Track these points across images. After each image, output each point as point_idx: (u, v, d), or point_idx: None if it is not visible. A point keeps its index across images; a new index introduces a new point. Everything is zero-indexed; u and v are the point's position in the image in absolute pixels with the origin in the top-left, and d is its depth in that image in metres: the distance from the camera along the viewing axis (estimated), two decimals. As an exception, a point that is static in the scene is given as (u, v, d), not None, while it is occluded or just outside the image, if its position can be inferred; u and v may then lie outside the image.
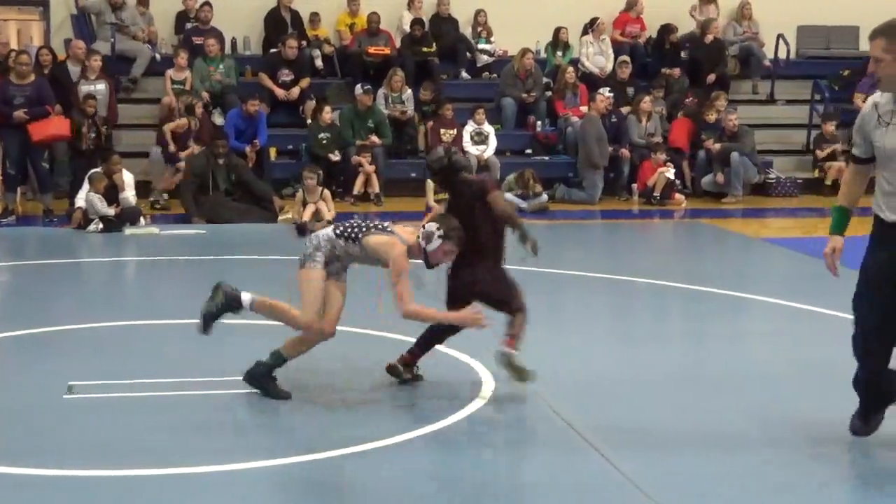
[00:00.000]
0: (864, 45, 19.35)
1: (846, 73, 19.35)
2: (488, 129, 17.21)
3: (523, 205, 15.69)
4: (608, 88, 17.55)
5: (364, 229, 6.62)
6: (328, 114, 16.47)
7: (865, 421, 5.99)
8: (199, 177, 14.67)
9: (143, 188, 15.09)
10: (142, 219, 13.94)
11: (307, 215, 13.63)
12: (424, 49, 18.47)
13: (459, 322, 6.72)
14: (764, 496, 5.33)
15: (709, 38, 19.07)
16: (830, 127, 17.94)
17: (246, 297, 6.77)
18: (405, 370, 7.04)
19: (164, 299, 9.99)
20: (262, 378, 6.75)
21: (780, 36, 19.77)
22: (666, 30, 19.33)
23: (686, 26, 19.56)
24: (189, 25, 18.38)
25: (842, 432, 6.06)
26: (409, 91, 17.56)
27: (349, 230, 6.63)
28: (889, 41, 5.12)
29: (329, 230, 6.71)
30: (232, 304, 6.77)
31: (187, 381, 7.00)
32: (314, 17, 18.85)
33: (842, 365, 6.04)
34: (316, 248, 6.62)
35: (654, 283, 10.57)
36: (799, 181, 17.92)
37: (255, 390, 6.76)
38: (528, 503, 5.29)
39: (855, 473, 5.84)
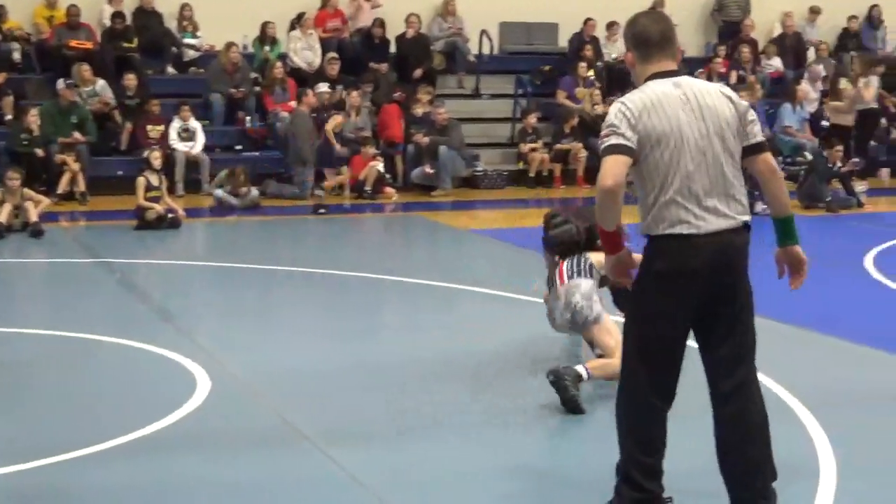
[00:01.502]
0: (563, 42, 20.12)
1: (547, 69, 20.03)
2: (195, 125, 16.95)
3: (235, 202, 15.53)
4: (327, 84, 17.58)
5: (584, 255, 7.01)
6: (33, 116, 15.77)
7: None
8: None
9: None
10: None
11: (4, 216, 13.08)
12: (125, 44, 18.00)
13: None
14: (487, 479, 5.44)
15: (409, 32, 19.38)
16: (532, 121, 18.53)
17: (581, 370, 6.40)
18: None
19: None
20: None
21: (483, 32, 20.27)
22: (374, 25, 19.47)
23: (394, 22, 19.74)
24: None
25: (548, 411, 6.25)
26: (102, 82, 17.08)
27: (581, 265, 6.99)
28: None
29: (586, 285, 6.88)
30: (577, 383, 6.38)
31: None
32: (1, 10, 18.00)
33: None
34: (595, 300, 6.84)
35: (368, 277, 10.64)
36: (505, 173, 18.47)
37: None
38: (250, 503, 5.22)
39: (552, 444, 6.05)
